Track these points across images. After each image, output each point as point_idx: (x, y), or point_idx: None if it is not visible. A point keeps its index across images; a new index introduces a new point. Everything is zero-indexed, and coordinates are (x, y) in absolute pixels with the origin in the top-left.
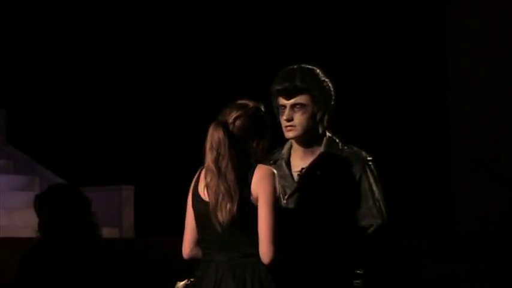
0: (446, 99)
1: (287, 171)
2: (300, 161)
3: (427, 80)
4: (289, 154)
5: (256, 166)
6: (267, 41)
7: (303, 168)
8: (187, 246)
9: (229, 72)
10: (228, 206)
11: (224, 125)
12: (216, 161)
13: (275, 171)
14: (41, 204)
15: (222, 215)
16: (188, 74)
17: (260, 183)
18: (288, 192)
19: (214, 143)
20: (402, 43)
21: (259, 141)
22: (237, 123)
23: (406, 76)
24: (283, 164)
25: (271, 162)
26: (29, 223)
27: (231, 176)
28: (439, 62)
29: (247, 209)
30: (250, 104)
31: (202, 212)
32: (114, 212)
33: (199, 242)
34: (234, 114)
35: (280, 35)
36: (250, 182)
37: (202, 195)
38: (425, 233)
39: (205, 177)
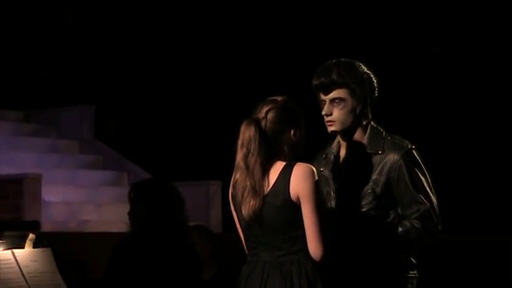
0: None
1: (336, 165)
2: (346, 153)
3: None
4: (339, 147)
5: (295, 164)
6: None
7: (347, 161)
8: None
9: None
10: (252, 202)
11: (256, 122)
12: (245, 158)
13: (314, 169)
14: (137, 196)
15: (246, 210)
16: (274, 69)
17: (299, 182)
18: (336, 185)
19: (245, 141)
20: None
21: (295, 130)
22: (269, 116)
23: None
24: (332, 157)
25: (324, 156)
26: (118, 218)
27: (258, 173)
28: None
29: (287, 206)
30: (279, 98)
31: (245, 221)
32: (202, 207)
33: (245, 242)
34: (265, 109)
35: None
36: (289, 180)
37: (241, 209)
38: None
39: (235, 175)
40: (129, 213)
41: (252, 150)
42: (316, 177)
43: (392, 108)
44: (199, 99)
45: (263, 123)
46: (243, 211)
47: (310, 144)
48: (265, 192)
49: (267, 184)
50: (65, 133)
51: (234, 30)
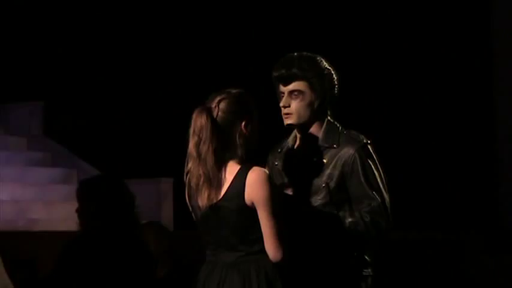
0: (492, 92)
1: (290, 158)
2: (301, 147)
3: (473, 68)
4: (295, 141)
5: (250, 168)
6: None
7: (302, 155)
8: None
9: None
10: (207, 192)
11: (207, 111)
12: (197, 146)
13: (267, 172)
14: (85, 194)
15: (202, 201)
16: (230, 67)
17: (254, 189)
18: (290, 179)
19: (197, 129)
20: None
21: (247, 122)
22: (221, 105)
23: (452, 62)
24: (287, 151)
25: (279, 150)
26: (67, 216)
27: (210, 161)
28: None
29: (242, 211)
30: (233, 89)
31: (201, 215)
32: (153, 205)
33: (205, 244)
34: (217, 98)
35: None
36: (244, 186)
37: (196, 200)
38: (471, 226)
39: (187, 164)
40: (78, 211)
41: (203, 138)
42: (272, 182)
43: (348, 104)
44: (150, 95)
45: (215, 112)
46: (199, 202)
47: (267, 139)
48: (220, 195)
49: (221, 182)
50: (13, 130)
51: (190, 25)
